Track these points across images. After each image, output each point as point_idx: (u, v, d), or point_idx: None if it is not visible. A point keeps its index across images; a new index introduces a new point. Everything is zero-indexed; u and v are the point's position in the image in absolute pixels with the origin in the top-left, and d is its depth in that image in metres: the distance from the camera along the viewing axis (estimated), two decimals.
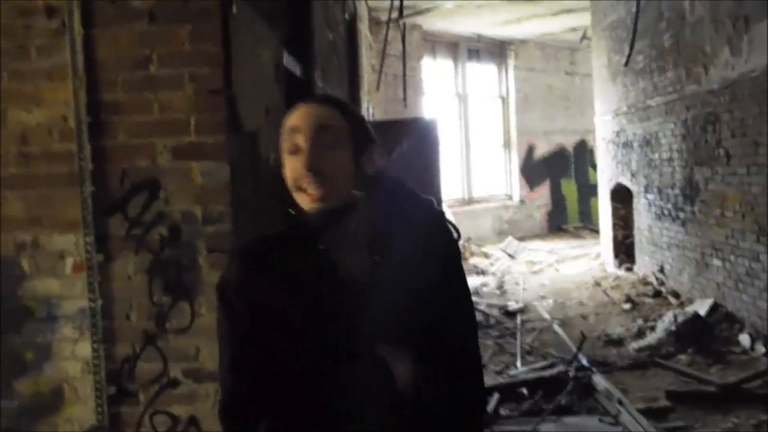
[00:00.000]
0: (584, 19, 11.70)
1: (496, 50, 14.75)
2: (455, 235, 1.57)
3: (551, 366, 5.79)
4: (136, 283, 2.81)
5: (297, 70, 4.60)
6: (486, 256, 11.90)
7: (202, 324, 2.82)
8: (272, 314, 1.41)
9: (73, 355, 2.80)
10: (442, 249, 1.53)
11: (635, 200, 9.52)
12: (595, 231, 12.78)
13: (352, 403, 1.37)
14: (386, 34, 10.90)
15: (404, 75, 11.79)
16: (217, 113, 2.80)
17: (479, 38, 14.02)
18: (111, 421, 2.76)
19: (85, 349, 2.77)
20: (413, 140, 7.88)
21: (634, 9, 8.43)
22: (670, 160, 8.17)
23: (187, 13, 2.74)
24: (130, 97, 2.77)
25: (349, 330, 1.39)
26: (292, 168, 1.43)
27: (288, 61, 4.23)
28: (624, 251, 10.09)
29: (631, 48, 8.28)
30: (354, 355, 1.39)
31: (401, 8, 9.38)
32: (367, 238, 1.45)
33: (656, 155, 8.62)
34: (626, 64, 8.82)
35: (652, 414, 4.71)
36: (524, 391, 5.23)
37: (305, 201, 1.43)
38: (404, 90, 11.82)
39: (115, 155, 2.78)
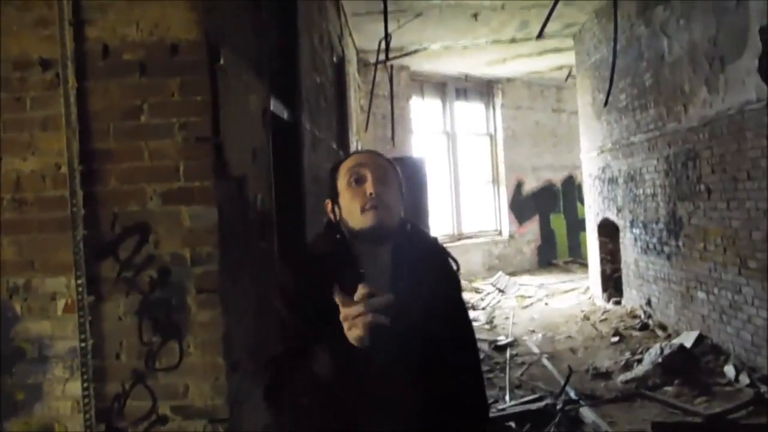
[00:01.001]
0: (569, 59, 11.98)
1: (484, 89, 15.03)
2: (455, 266, 1.93)
3: (539, 399, 5.85)
4: (126, 323, 2.90)
5: (284, 113, 4.75)
6: (476, 291, 11.98)
7: (190, 362, 2.90)
8: (318, 316, 1.66)
9: (64, 395, 2.87)
10: (450, 277, 1.92)
11: (622, 235, 9.66)
12: (584, 265, 12.90)
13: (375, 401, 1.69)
14: (374, 76, 11.14)
15: (392, 115, 12.01)
16: (205, 159, 2.93)
17: (467, 78, 14.30)
18: None
19: (75, 388, 2.85)
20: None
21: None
22: (654, 195, 8.34)
23: (176, 65, 2.88)
24: (122, 146, 2.89)
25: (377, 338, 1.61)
26: (356, 194, 1.79)
27: (275, 105, 4.38)
28: (612, 285, 10.21)
29: (609, 89, 8.50)
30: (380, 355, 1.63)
31: (387, 51, 9.61)
32: (393, 265, 1.80)
33: (640, 191, 8.79)
34: (605, 104, 9.04)
35: None
36: (512, 424, 5.29)
37: (368, 219, 1.75)
38: (392, 129, 12.03)
39: (106, 201, 2.89)
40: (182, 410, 2.89)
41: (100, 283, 2.89)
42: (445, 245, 2.00)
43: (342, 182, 1.83)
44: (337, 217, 1.83)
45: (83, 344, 2.83)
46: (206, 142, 2.90)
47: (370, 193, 1.76)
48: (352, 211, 1.78)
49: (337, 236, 1.82)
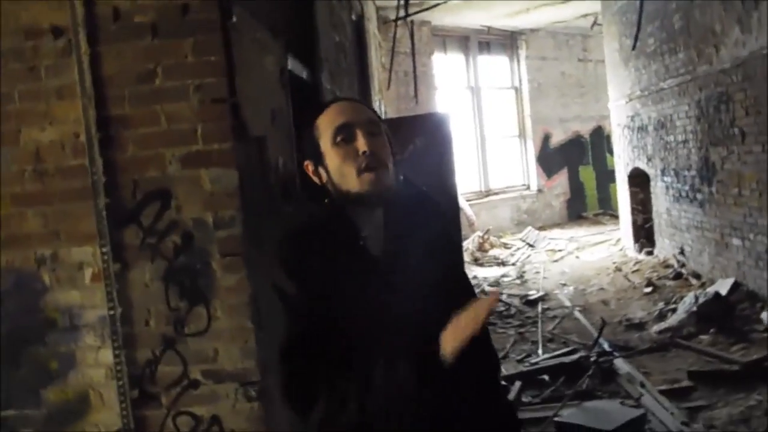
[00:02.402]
0: (595, 5, 11.63)
1: (507, 41, 14.72)
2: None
3: (573, 352, 5.81)
4: (153, 290, 2.90)
5: (303, 73, 4.67)
6: (505, 246, 11.90)
7: (218, 326, 2.90)
8: (325, 289, 1.56)
9: (97, 362, 2.90)
10: (445, 228, 1.82)
11: (653, 184, 9.48)
12: (614, 217, 12.73)
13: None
14: (395, 32, 10.94)
15: (414, 71, 11.82)
16: (222, 121, 2.88)
17: (489, 30, 13.99)
18: (136, 424, 2.85)
19: (107, 355, 2.87)
20: (426, 136, 7.90)
21: None
22: (686, 141, 8.13)
23: (188, 25, 2.82)
24: (138, 111, 2.85)
25: (387, 303, 1.57)
26: (347, 154, 1.59)
27: (293, 65, 4.29)
28: (644, 235, 10.05)
29: (638, 32, 8.25)
30: (394, 319, 1.56)
31: (407, 6, 9.42)
32: (386, 223, 1.66)
33: (671, 138, 8.57)
34: (633, 48, 8.78)
35: (674, 394, 4.74)
36: (546, 378, 5.27)
37: (367, 182, 1.58)
38: (415, 86, 11.86)
39: (126, 167, 2.87)
40: (213, 374, 2.90)
41: (125, 251, 2.89)
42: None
43: (326, 141, 1.63)
44: (324, 180, 1.65)
45: (112, 312, 2.84)
46: (223, 103, 2.85)
47: (364, 152, 1.58)
48: (345, 173, 1.60)
49: (326, 201, 1.65)
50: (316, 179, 1.67)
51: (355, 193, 1.60)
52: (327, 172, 1.63)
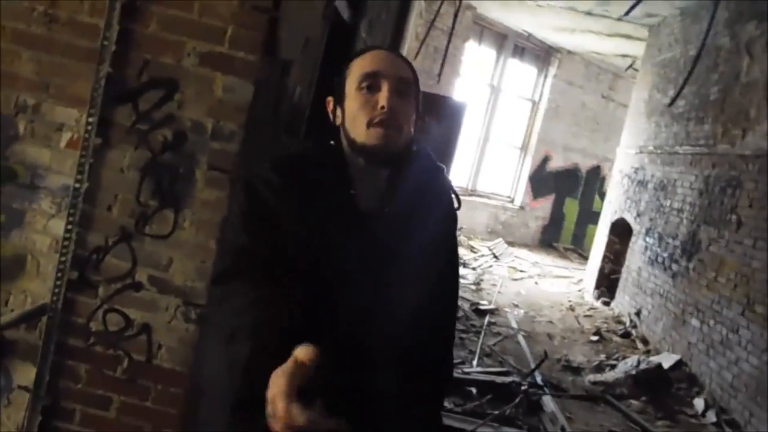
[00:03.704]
0: (637, 49, 11.51)
1: (542, 54, 14.54)
2: (456, 204, 1.74)
3: (506, 374, 5.77)
4: (127, 177, 2.71)
5: (345, 13, 4.46)
6: (472, 249, 11.86)
7: (181, 236, 2.73)
8: (295, 233, 1.50)
9: (45, 230, 2.71)
10: (450, 219, 1.75)
11: (633, 239, 9.46)
12: (583, 257, 12.76)
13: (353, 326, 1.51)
14: (439, 7, 10.70)
15: (446, 51, 11.60)
16: (256, 31, 2.68)
17: (529, 37, 13.80)
18: (64, 305, 2.68)
19: (59, 226, 2.68)
20: (441, 117, 7.76)
21: (691, 52, 8.28)
22: (681, 210, 8.10)
23: None
24: None
25: (361, 264, 1.51)
26: (366, 103, 1.53)
27: (339, 3, 4.09)
28: (606, 285, 10.08)
29: (681, 89, 8.13)
30: (362, 283, 1.51)
31: None
32: (387, 189, 1.58)
33: (668, 202, 8.54)
34: (670, 104, 8.68)
35: None
36: (473, 390, 5.22)
37: (374, 137, 1.52)
38: (442, 66, 11.64)
39: (141, 44, 2.66)
40: (160, 283, 2.73)
41: (111, 128, 2.68)
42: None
43: (351, 84, 1.57)
44: (338, 122, 1.60)
45: (78, 185, 2.65)
46: (264, 13, 2.65)
47: (382, 107, 1.51)
48: (356, 121, 1.54)
49: (332, 143, 1.60)
50: (332, 118, 1.63)
51: (359, 144, 1.54)
52: (343, 114, 1.58)
